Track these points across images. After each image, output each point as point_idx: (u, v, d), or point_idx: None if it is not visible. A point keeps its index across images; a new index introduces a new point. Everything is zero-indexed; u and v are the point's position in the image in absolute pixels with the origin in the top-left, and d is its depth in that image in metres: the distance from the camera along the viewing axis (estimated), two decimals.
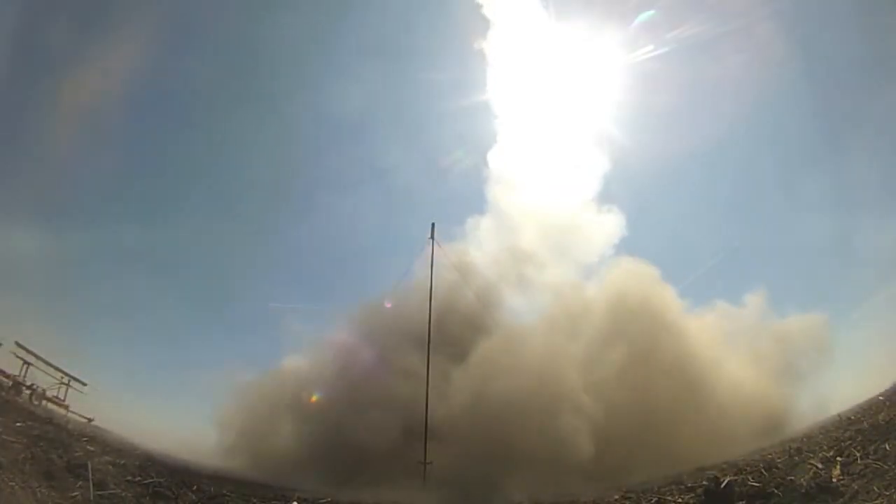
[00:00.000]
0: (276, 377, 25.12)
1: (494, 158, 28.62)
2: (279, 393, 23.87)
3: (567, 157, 28.37)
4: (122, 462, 11.47)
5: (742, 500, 8.74)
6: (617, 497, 12.06)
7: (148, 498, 9.46)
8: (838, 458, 9.56)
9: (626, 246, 27.11)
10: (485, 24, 28.74)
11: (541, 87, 29.69)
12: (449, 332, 23.03)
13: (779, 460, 11.52)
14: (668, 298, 23.22)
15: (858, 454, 9.52)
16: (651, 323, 21.65)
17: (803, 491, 8.34)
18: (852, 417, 14.32)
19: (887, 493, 7.43)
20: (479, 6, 28.65)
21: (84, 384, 21.57)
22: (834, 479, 8.52)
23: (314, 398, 24.60)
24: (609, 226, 26.75)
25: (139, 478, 10.29)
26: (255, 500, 11.97)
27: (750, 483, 9.39)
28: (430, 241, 24.23)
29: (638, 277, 23.50)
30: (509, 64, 28.87)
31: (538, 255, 26.45)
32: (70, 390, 21.05)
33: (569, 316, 23.75)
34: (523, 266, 26.33)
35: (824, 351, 22.79)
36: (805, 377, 22.19)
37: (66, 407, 20.58)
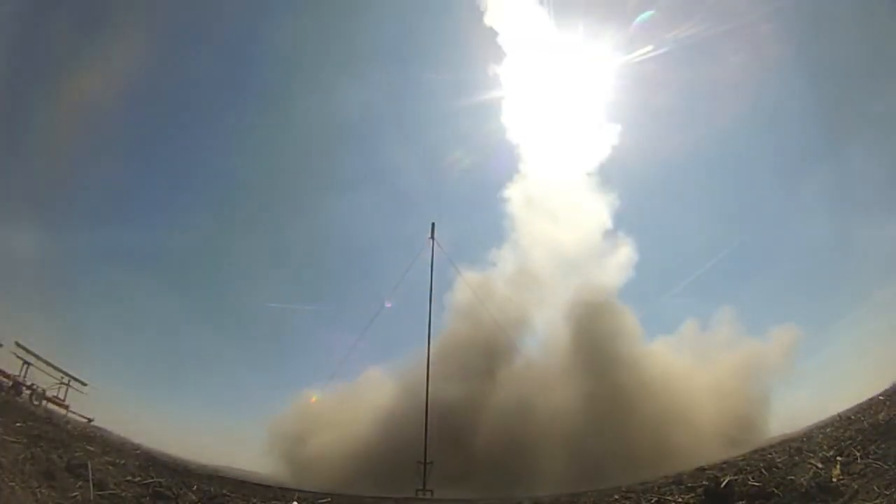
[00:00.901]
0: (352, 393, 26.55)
1: (513, 191, 29.91)
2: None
3: (581, 181, 29.40)
4: (122, 462, 11.48)
5: (742, 500, 8.73)
6: (617, 497, 12.04)
7: (148, 498, 9.44)
8: (838, 458, 9.55)
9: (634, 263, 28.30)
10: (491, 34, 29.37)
11: (548, 96, 30.33)
12: (475, 356, 25.20)
13: (779, 460, 11.51)
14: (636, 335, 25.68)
15: (858, 454, 9.51)
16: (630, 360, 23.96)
17: (803, 491, 8.33)
18: (852, 417, 14.32)
19: (887, 493, 7.43)
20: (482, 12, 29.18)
21: (84, 384, 21.59)
22: (834, 479, 8.50)
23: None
24: (623, 256, 28.32)
25: (139, 478, 10.29)
26: (255, 500, 11.95)
27: (750, 483, 9.37)
28: (431, 241, 24.37)
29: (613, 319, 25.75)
30: (519, 78, 29.61)
31: (550, 286, 28.24)
32: (70, 390, 21.06)
33: (567, 350, 25.71)
34: (536, 297, 28.25)
35: (785, 370, 24.55)
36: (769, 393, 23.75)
37: (66, 407, 20.59)
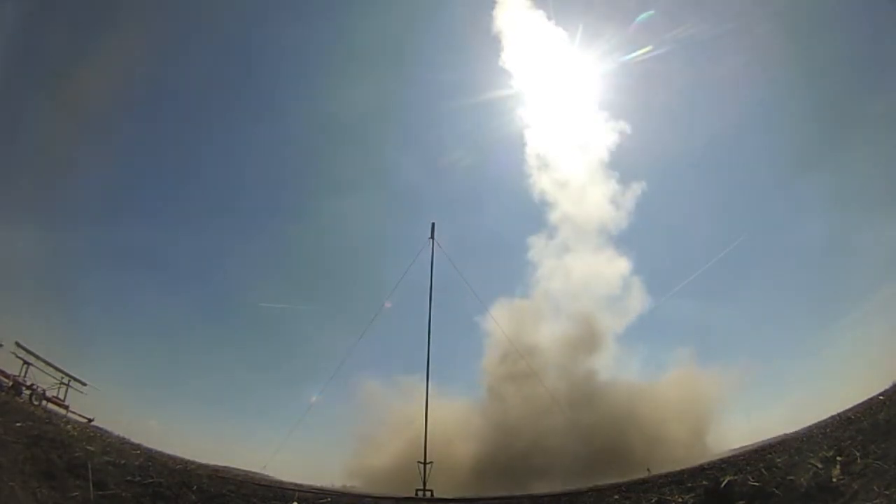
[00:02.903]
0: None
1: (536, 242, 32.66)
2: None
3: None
4: (122, 462, 11.46)
5: (742, 500, 8.72)
6: (617, 497, 12.04)
7: (148, 498, 9.43)
8: (838, 458, 9.52)
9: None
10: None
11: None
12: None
13: (779, 460, 11.50)
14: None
15: (858, 454, 9.48)
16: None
17: (803, 491, 8.32)
18: (852, 417, 14.31)
19: (887, 493, 7.41)
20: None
21: (84, 384, 21.57)
22: (834, 479, 8.49)
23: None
24: (636, 299, 31.44)
25: (139, 478, 10.27)
26: (255, 500, 11.94)
27: (750, 483, 9.36)
28: (431, 241, 24.39)
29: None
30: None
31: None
32: (70, 390, 21.05)
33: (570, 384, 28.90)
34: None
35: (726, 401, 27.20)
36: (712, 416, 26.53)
37: (66, 407, 20.58)
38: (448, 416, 26.50)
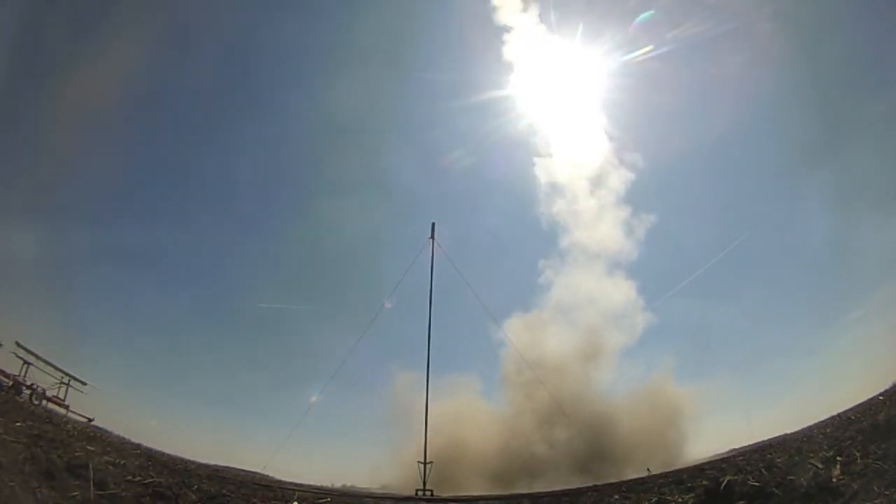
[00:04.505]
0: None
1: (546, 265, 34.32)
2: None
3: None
4: (122, 462, 11.47)
5: (742, 500, 8.71)
6: (617, 497, 12.03)
7: (148, 498, 9.41)
8: (838, 458, 9.51)
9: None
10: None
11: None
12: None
13: (779, 460, 11.49)
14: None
15: (858, 454, 9.47)
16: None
17: (803, 491, 8.31)
18: (852, 417, 14.31)
19: (887, 493, 7.40)
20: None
21: (84, 384, 21.60)
22: (834, 479, 8.47)
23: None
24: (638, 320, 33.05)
25: (139, 478, 10.27)
26: (255, 500, 11.94)
27: (750, 483, 9.34)
28: (431, 241, 24.40)
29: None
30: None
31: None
32: (70, 390, 21.09)
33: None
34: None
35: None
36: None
37: (66, 407, 20.60)
38: (455, 413, 26.91)
